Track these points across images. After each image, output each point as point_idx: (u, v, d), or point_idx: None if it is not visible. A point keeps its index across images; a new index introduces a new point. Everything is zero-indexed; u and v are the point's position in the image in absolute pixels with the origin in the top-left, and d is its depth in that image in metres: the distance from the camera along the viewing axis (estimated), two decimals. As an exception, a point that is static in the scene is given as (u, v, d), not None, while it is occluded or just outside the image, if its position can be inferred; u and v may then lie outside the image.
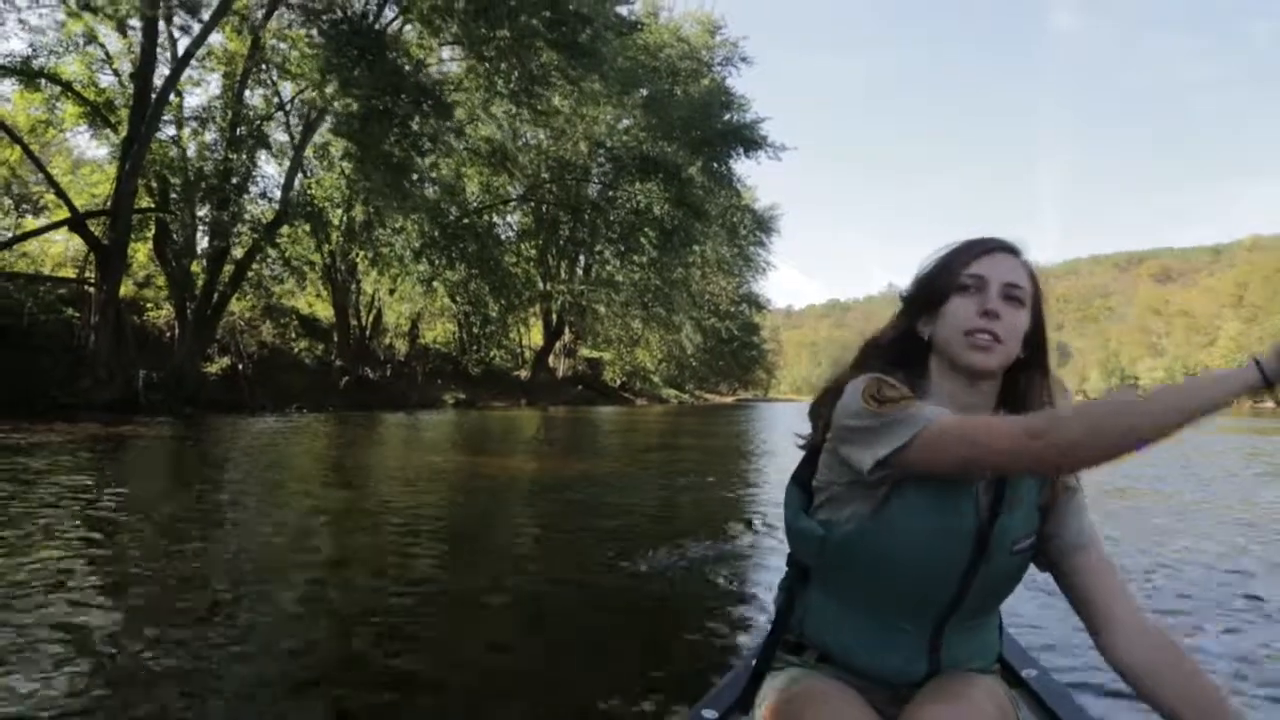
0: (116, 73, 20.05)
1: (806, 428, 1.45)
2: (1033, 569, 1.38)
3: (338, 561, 4.57)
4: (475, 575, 4.34)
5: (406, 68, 19.99)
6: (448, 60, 23.60)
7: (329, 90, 18.49)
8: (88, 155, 26.58)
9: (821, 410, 1.38)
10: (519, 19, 19.61)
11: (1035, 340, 1.34)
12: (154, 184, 20.11)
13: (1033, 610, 3.39)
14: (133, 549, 4.58)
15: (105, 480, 7.33)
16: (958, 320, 1.29)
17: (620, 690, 2.64)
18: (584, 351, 46.20)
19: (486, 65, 21.53)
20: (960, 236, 1.38)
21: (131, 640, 2.94)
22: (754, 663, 1.44)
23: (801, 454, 1.46)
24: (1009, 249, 1.34)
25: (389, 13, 21.04)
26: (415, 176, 21.62)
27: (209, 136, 21.14)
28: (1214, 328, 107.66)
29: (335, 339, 27.03)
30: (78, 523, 5.16)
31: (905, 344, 1.38)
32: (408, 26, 22.14)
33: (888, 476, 1.24)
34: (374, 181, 19.42)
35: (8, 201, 23.63)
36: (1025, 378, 1.36)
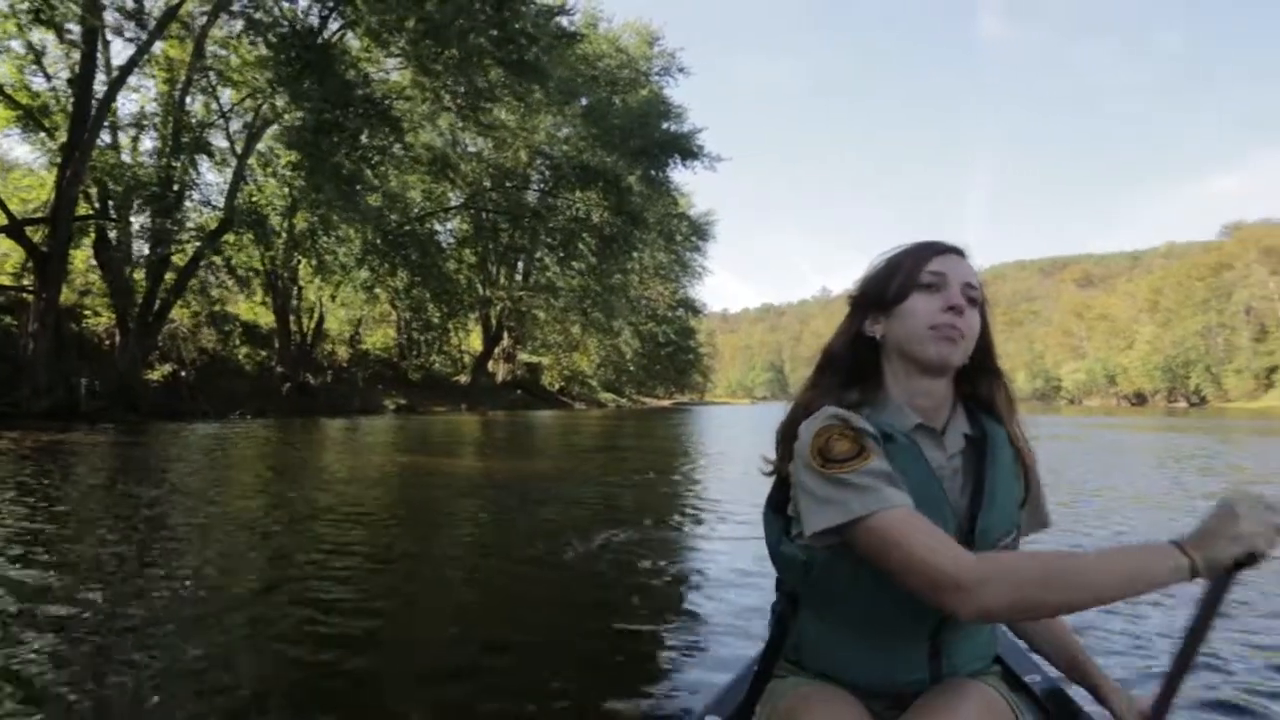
0: (49, 76, 19.84)
1: (749, 434, 1.56)
2: None
3: (278, 561, 4.62)
4: (421, 570, 4.54)
5: (352, 77, 20.19)
6: (393, 71, 23.83)
7: (279, 103, 18.66)
8: (9, 157, 26.04)
9: (787, 435, 1.34)
10: (468, 39, 20.07)
11: (984, 342, 1.35)
12: (93, 190, 20.00)
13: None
14: (69, 554, 4.57)
15: (46, 487, 7.37)
16: (921, 316, 1.29)
17: (566, 681, 2.74)
18: (523, 356, 46.49)
19: (433, 80, 21.85)
20: (894, 242, 1.39)
21: (68, 641, 3.00)
22: (755, 669, 1.45)
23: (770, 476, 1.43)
24: (960, 252, 1.34)
25: (335, 23, 21.19)
26: (359, 186, 21.78)
27: (149, 143, 21.11)
28: (1132, 331, 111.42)
29: (276, 345, 27.03)
30: (12, 527, 5.21)
31: (858, 349, 1.36)
32: (350, 36, 22.29)
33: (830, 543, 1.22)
34: (326, 193, 19.62)
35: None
36: (985, 383, 1.38)
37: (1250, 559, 1.08)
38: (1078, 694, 1.52)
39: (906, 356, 1.31)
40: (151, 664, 2.81)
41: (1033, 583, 1.05)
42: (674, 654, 3.07)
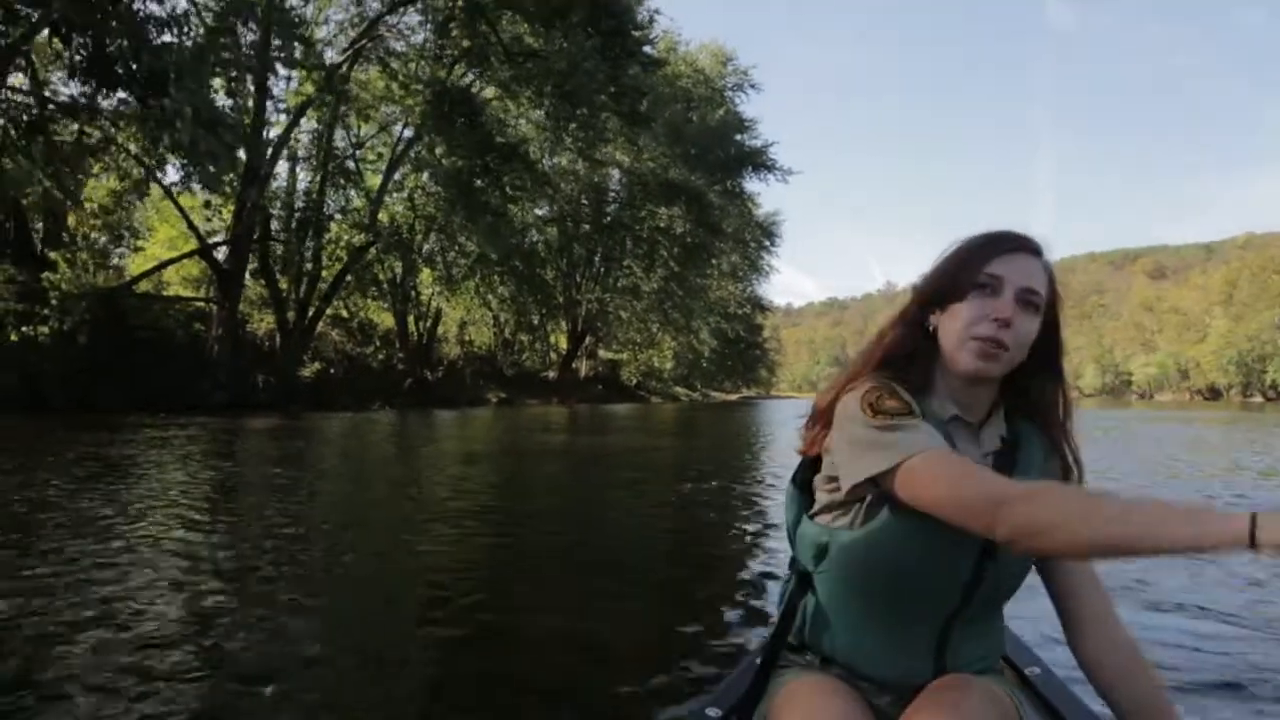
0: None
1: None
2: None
3: (427, 529, 5.22)
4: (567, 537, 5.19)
5: (493, 127, 23.58)
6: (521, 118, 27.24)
7: (438, 150, 22.10)
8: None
9: (823, 412, 1.32)
10: (592, 98, 23.40)
11: (1046, 347, 1.27)
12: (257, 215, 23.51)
13: (1032, 607, 3.62)
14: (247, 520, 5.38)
15: (277, 459, 9.13)
16: (965, 321, 1.23)
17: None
18: (604, 353, 49.55)
19: (557, 125, 25.29)
20: (961, 233, 1.32)
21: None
22: (758, 662, 1.43)
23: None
24: (1032, 249, 1.26)
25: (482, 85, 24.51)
26: (499, 220, 25.07)
27: (305, 176, 24.76)
28: (1204, 325, 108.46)
29: (397, 344, 30.57)
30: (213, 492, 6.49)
31: (917, 335, 1.31)
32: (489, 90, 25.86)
33: (871, 495, 1.22)
34: (479, 226, 23.02)
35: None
36: (1036, 385, 1.31)
37: None
38: (1079, 688, 1.48)
39: (947, 358, 1.27)
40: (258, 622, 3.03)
41: (1076, 511, 0.97)
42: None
